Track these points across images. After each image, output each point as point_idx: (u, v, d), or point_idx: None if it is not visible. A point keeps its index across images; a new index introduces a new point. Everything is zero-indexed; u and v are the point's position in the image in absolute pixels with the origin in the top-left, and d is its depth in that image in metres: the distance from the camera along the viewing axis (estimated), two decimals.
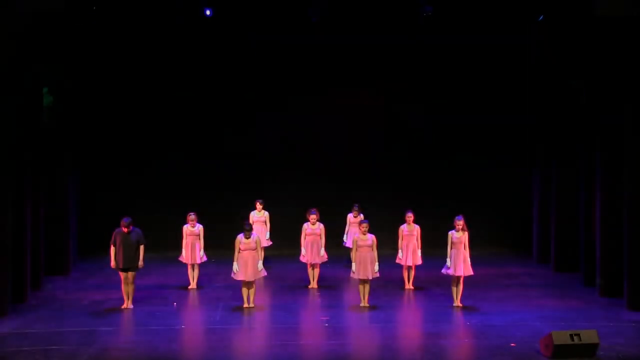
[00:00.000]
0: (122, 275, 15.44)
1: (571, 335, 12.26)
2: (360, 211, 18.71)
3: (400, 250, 17.05)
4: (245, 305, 15.50)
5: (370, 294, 15.69)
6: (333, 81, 21.76)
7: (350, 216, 18.83)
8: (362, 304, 15.62)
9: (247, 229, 15.40)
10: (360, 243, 15.57)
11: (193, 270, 17.28)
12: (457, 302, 15.58)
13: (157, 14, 20.10)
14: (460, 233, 15.46)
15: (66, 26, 18.16)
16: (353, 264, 15.62)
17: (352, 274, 15.71)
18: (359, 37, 21.08)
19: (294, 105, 21.86)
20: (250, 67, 21.75)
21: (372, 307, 15.51)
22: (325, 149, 22.08)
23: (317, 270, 17.49)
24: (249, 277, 15.33)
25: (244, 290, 15.54)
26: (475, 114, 21.96)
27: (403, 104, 22.05)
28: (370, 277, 15.54)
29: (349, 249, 17.43)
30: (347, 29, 20.81)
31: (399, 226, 17.22)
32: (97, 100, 21.31)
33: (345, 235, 18.91)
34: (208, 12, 19.41)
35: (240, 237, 15.35)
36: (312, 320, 15.25)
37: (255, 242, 15.35)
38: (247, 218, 18.52)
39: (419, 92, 22.01)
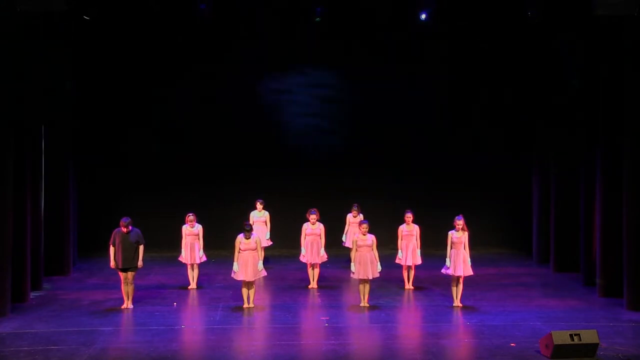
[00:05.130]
0: (121, 275, 15.43)
1: (571, 335, 12.26)
2: (360, 211, 18.70)
3: (400, 250, 17.04)
4: (245, 305, 15.50)
5: (370, 294, 15.70)
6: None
7: (349, 216, 18.81)
8: (362, 304, 15.62)
9: (247, 229, 15.39)
10: (360, 243, 15.56)
11: (193, 270, 17.27)
12: (457, 302, 15.58)
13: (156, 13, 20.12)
14: (460, 233, 15.45)
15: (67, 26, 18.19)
16: (352, 265, 15.63)
17: (351, 275, 15.72)
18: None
19: (294, 104, 21.88)
20: (249, 68, 21.77)
21: (372, 307, 15.51)
22: (325, 148, 22.06)
23: (317, 270, 17.49)
24: (249, 277, 15.33)
25: (244, 290, 15.55)
26: (476, 115, 22.07)
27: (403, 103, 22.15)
28: (371, 277, 15.53)
29: (348, 249, 17.43)
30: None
31: (398, 226, 17.21)
32: (97, 99, 21.29)
33: (344, 236, 18.90)
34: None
35: (241, 237, 15.35)
36: (312, 320, 15.24)
37: (256, 242, 15.35)
38: (247, 218, 18.51)
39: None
